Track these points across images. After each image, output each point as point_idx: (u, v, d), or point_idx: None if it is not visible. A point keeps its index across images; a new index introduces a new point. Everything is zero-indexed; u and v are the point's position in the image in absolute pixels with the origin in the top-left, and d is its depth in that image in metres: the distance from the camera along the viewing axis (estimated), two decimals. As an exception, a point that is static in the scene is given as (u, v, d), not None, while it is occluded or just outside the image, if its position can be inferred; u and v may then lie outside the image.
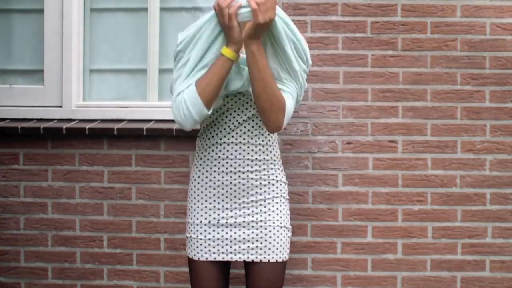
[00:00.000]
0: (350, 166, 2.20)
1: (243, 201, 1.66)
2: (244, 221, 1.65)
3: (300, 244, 2.20)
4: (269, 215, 1.67)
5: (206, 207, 1.67)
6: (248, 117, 1.66)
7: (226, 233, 1.65)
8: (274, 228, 1.67)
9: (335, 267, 2.20)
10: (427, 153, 2.19)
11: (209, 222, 1.66)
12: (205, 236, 1.66)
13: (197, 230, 1.67)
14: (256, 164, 1.66)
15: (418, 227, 2.19)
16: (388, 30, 2.19)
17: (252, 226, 1.65)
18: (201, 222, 1.67)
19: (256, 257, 1.65)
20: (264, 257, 1.65)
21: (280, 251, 1.67)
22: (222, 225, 1.66)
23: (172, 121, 2.23)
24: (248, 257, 1.65)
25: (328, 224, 2.20)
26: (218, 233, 1.66)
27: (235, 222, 1.65)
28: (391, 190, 2.19)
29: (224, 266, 1.71)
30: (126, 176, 2.23)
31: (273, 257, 1.66)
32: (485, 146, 2.19)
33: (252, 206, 1.66)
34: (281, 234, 1.68)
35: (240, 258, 1.66)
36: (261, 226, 1.65)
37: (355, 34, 2.19)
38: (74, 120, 2.28)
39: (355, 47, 2.19)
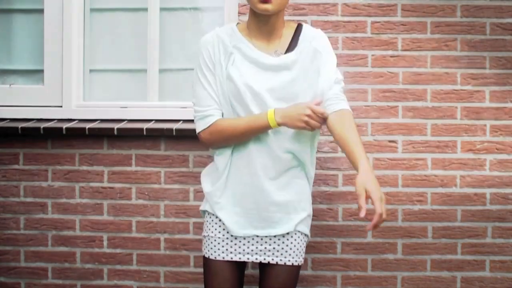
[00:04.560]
0: (350, 166, 2.19)
1: None
2: (261, 225, 1.65)
3: (300, 244, 2.20)
4: None
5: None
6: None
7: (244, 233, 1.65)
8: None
9: (335, 267, 2.20)
10: (427, 153, 2.19)
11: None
12: (223, 235, 1.65)
13: (215, 229, 1.67)
14: None
15: (418, 227, 2.19)
16: (388, 30, 2.19)
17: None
18: (219, 220, 1.67)
19: (273, 259, 1.65)
20: (281, 260, 1.65)
21: (297, 255, 1.67)
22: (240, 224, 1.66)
23: (172, 121, 2.24)
24: (264, 259, 1.65)
25: (328, 224, 2.20)
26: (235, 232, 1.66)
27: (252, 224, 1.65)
28: (391, 190, 2.19)
29: (240, 267, 1.70)
30: (126, 176, 2.23)
31: (289, 260, 1.65)
32: (485, 146, 2.19)
33: None
34: (299, 237, 1.68)
35: (256, 259, 1.65)
36: (275, 235, 1.65)
37: (355, 34, 2.19)
38: (74, 120, 2.28)
39: (355, 47, 2.19)
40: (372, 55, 2.19)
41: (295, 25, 1.71)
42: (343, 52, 2.19)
